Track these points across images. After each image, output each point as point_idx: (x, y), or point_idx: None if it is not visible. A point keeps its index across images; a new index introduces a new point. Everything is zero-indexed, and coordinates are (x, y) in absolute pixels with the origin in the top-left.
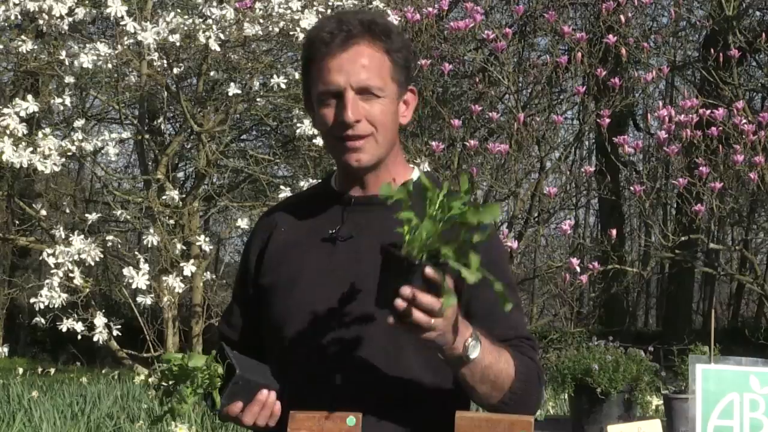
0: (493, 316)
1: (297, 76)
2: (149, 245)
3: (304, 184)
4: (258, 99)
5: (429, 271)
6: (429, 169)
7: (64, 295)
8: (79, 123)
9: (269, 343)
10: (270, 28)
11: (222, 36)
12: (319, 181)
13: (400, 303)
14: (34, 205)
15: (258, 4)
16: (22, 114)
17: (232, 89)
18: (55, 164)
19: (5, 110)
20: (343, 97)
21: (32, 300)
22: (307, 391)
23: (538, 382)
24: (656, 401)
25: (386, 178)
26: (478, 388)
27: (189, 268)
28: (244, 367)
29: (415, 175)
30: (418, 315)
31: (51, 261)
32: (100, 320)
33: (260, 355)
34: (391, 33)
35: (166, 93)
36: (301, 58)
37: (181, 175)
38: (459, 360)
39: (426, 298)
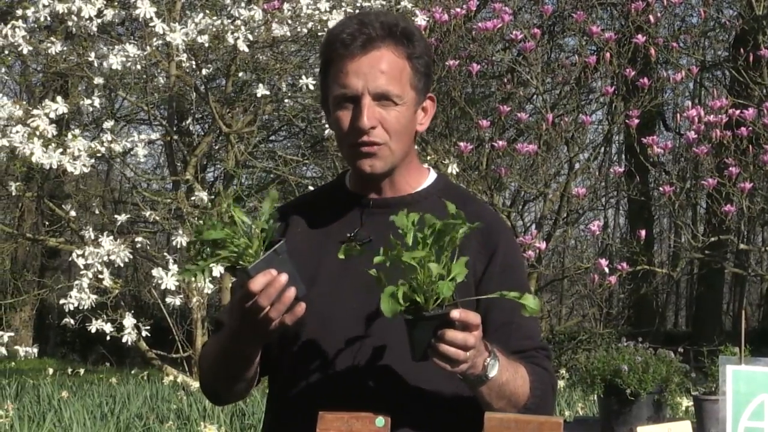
0: (510, 326)
1: None
2: (178, 246)
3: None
4: (286, 100)
5: (456, 314)
6: (457, 170)
7: (94, 296)
8: (108, 124)
9: (285, 344)
10: (298, 29)
11: (250, 37)
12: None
13: (443, 349)
14: (63, 206)
15: (286, 5)
16: (52, 115)
17: (261, 90)
18: (84, 165)
19: (35, 112)
20: (359, 102)
21: (62, 301)
22: (327, 395)
23: (552, 394)
24: (686, 402)
25: (400, 181)
26: (494, 404)
27: (218, 269)
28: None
29: (431, 179)
30: (453, 351)
31: (80, 262)
32: (129, 321)
33: (264, 355)
34: (414, 38)
35: (194, 94)
36: (320, 57)
37: (210, 175)
38: (478, 379)
39: (459, 336)
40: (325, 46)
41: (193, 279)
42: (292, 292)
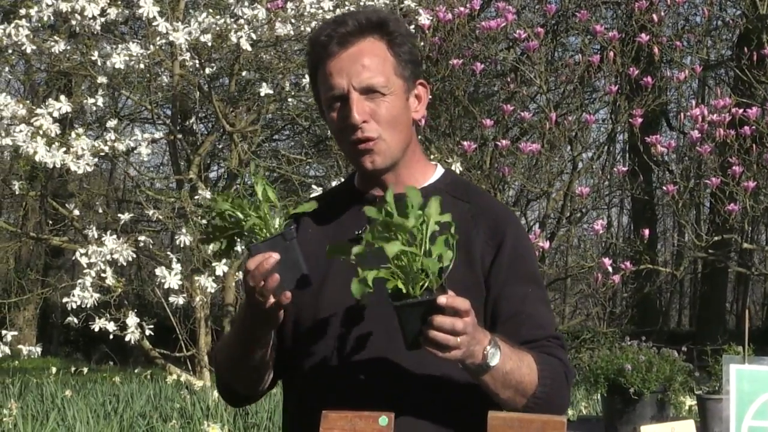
0: (521, 315)
1: None
2: (181, 245)
3: (336, 184)
4: (290, 99)
5: (443, 300)
6: (461, 169)
7: (96, 295)
8: (111, 123)
9: (297, 343)
10: (302, 28)
11: (254, 36)
12: (342, 181)
13: (432, 335)
14: (67, 205)
15: (290, 4)
16: (55, 114)
17: (264, 89)
18: (87, 164)
19: (39, 111)
20: (347, 99)
21: (65, 300)
22: (338, 392)
23: (566, 383)
24: (690, 402)
25: (406, 176)
26: (501, 394)
27: (221, 268)
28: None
29: (437, 173)
30: (443, 337)
31: (84, 261)
32: (132, 320)
33: (278, 355)
34: (390, 27)
35: (198, 93)
36: (307, 66)
37: (213, 174)
38: (479, 368)
39: (447, 321)
40: (308, 54)
41: (195, 278)
42: (275, 278)
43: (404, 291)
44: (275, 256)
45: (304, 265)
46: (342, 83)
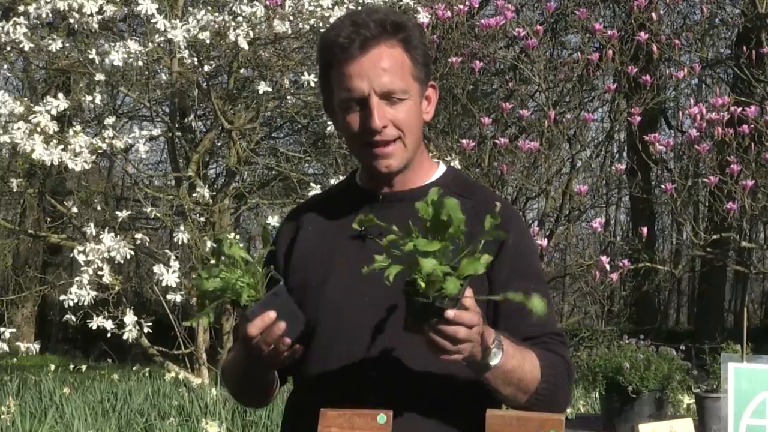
0: (523, 312)
1: None
2: (180, 243)
3: (334, 182)
4: (288, 97)
5: (450, 314)
6: (459, 167)
7: (94, 293)
8: (110, 120)
9: (299, 342)
10: (300, 26)
11: (252, 33)
12: (344, 178)
13: (432, 338)
14: (65, 203)
15: (288, 2)
16: (53, 112)
17: (263, 87)
18: (86, 162)
19: (36, 108)
20: (367, 103)
21: (62, 297)
22: (341, 389)
23: (567, 380)
24: (688, 400)
25: (411, 176)
26: (502, 391)
27: None
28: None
29: (440, 171)
30: (441, 342)
31: (81, 258)
32: (130, 318)
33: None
34: (408, 30)
35: (196, 90)
36: (318, 62)
37: (211, 172)
38: (480, 366)
39: (450, 329)
40: (323, 52)
41: (194, 276)
42: (287, 341)
43: (420, 289)
44: (281, 324)
45: (302, 314)
46: (362, 86)
